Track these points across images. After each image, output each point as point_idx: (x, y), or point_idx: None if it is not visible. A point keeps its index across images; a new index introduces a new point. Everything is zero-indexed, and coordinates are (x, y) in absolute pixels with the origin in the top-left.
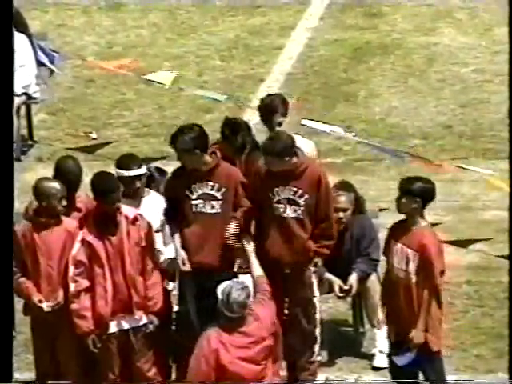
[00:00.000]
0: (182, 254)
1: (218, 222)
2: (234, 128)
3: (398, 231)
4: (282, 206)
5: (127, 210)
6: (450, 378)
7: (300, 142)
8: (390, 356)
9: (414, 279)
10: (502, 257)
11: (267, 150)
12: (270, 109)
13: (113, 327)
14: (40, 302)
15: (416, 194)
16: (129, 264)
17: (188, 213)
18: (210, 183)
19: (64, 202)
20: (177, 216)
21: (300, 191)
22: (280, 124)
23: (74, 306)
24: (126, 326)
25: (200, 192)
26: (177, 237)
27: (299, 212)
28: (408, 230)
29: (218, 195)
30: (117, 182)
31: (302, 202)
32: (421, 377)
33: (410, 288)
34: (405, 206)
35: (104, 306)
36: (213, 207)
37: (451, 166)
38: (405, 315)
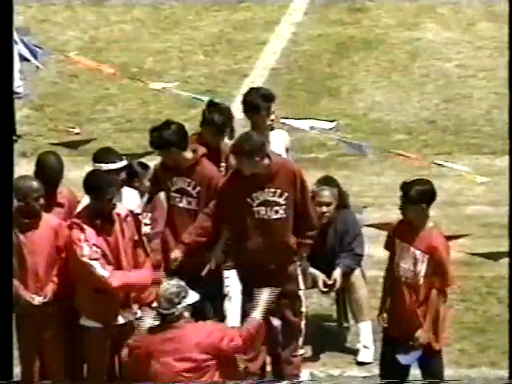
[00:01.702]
0: (177, 253)
1: (194, 219)
2: (214, 108)
3: (403, 230)
4: (263, 208)
5: (119, 207)
6: None
7: (273, 134)
8: (384, 352)
9: (421, 280)
10: (483, 254)
11: (237, 150)
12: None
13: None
14: (31, 298)
15: (416, 200)
16: (125, 260)
17: (168, 204)
18: (188, 179)
19: (42, 201)
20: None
21: (279, 191)
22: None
23: (116, 283)
24: (121, 320)
25: (178, 186)
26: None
27: (281, 212)
28: (415, 230)
29: (193, 193)
30: (111, 178)
31: (282, 201)
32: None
33: (417, 289)
34: (408, 212)
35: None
36: (189, 203)
37: (431, 162)
38: (409, 314)
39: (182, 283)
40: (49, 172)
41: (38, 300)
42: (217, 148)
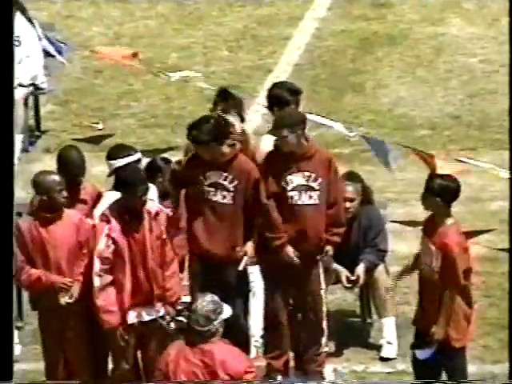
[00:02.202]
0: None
1: (229, 213)
2: (225, 95)
3: (428, 226)
4: (297, 193)
5: (149, 204)
6: None
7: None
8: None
9: (436, 276)
10: (507, 250)
11: (279, 123)
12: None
13: (133, 318)
14: (64, 281)
15: (436, 193)
16: (151, 258)
17: (200, 199)
18: (224, 173)
19: (64, 194)
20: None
21: (314, 175)
22: None
23: (100, 301)
24: (146, 317)
25: (213, 180)
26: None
27: (315, 197)
28: (435, 227)
29: (230, 187)
30: (143, 174)
31: (316, 186)
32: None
33: (434, 284)
34: (426, 203)
35: (128, 300)
36: (224, 197)
37: (454, 159)
38: (428, 310)
39: (217, 298)
40: (70, 167)
41: (64, 300)
42: None
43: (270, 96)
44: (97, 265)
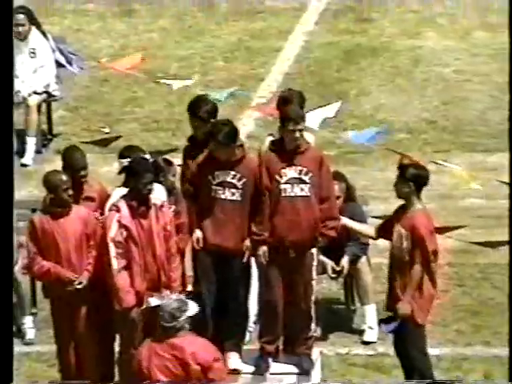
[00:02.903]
0: (199, 233)
1: (237, 209)
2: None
3: (398, 213)
4: (289, 185)
5: (154, 197)
6: (432, 351)
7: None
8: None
9: (406, 257)
10: (479, 243)
11: (285, 115)
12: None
13: (145, 302)
14: (72, 276)
15: (409, 179)
16: (158, 246)
17: (208, 197)
18: (233, 172)
19: (70, 192)
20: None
21: (305, 169)
22: None
23: (119, 282)
24: (154, 302)
25: (222, 179)
26: (195, 217)
27: (306, 190)
28: (405, 212)
29: (239, 184)
30: (150, 165)
31: (307, 179)
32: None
33: (404, 265)
34: (400, 189)
35: (141, 283)
36: (233, 194)
37: (429, 161)
38: (397, 289)
39: (183, 297)
40: (73, 166)
41: (78, 283)
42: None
43: (280, 96)
44: (112, 249)
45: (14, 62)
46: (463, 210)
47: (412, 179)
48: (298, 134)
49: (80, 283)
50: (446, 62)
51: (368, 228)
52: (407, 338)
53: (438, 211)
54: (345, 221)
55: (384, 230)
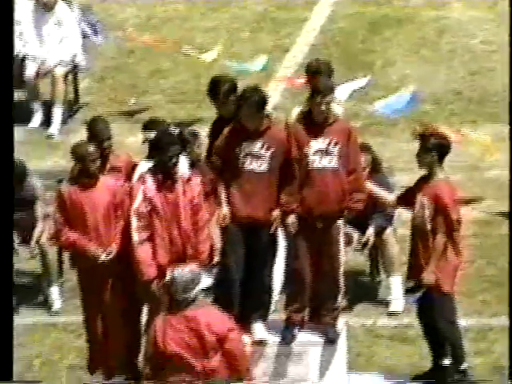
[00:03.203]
0: (225, 210)
1: (266, 180)
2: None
3: (420, 183)
4: (318, 157)
5: (182, 170)
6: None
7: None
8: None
9: (428, 226)
10: (504, 214)
11: (316, 87)
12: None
13: (168, 275)
14: (97, 250)
15: (431, 148)
16: (184, 219)
17: (236, 169)
18: (260, 143)
19: (98, 163)
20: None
21: (333, 141)
22: None
23: (139, 254)
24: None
25: (249, 150)
26: (221, 193)
27: (334, 161)
28: (427, 181)
29: (267, 154)
30: (175, 137)
31: (335, 151)
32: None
33: (426, 234)
34: (422, 159)
35: (164, 256)
36: (261, 165)
37: (456, 130)
38: (420, 259)
39: (196, 270)
40: (98, 136)
41: (103, 256)
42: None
43: (308, 67)
44: (134, 222)
45: (13, 61)
46: (488, 182)
47: (434, 148)
48: (324, 107)
49: (108, 254)
50: (472, 32)
51: (389, 194)
52: (434, 308)
53: (464, 182)
54: (367, 185)
55: (405, 199)
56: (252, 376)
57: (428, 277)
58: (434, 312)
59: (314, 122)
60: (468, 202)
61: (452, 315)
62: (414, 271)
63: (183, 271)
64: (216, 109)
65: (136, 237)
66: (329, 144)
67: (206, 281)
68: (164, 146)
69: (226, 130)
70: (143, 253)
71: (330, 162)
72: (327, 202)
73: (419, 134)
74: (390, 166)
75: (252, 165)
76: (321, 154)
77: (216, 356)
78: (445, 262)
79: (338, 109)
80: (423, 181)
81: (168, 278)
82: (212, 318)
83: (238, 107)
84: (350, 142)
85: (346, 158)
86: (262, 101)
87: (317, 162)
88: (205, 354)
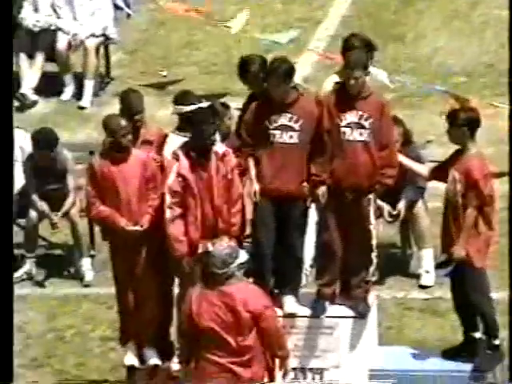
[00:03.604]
0: (256, 186)
1: (296, 152)
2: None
3: (453, 158)
4: (349, 129)
5: (217, 145)
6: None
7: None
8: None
9: (460, 201)
10: None
11: (347, 62)
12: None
13: (200, 249)
14: (127, 225)
15: (461, 124)
16: (216, 196)
17: (266, 142)
18: (289, 115)
19: (129, 137)
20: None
21: (366, 115)
22: None
23: (171, 230)
24: (211, 248)
25: (279, 123)
26: (251, 168)
27: (365, 135)
28: (460, 156)
29: (296, 126)
30: (211, 116)
31: (367, 124)
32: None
33: (458, 208)
34: (453, 135)
35: (195, 232)
36: (291, 137)
37: (487, 103)
38: (452, 233)
39: (233, 244)
40: (131, 108)
41: (135, 228)
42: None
43: (345, 41)
44: (168, 198)
45: (12, 61)
46: None
47: (464, 124)
48: (353, 81)
49: (141, 227)
50: (504, 4)
51: (422, 167)
52: (466, 282)
53: (495, 156)
54: (399, 158)
55: (439, 173)
56: (288, 353)
57: (458, 251)
58: (467, 286)
59: (348, 94)
60: (498, 175)
61: (485, 289)
62: (446, 245)
63: (222, 246)
64: (248, 87)
65: (169, 213)
66: (361, 117)
67: (244, 256)
68: (199, 125)
69: (253, 105)
70: (175, 229)
71: (362, 135)
72: (357, 174)
73: (448, 111)
74: (423, 138)
75: (282, 137)
76: (353, 127)
77: (251, 333)
78: (476, 236)
79: (383, 77)
80: (456, 155)
81: (202, 251)
82: (248, 294)
83: (265, 78)
84: (383, 117)
85: (378, 133)
86: (289, 71)
87: (348, 134)
88: (239, 330)
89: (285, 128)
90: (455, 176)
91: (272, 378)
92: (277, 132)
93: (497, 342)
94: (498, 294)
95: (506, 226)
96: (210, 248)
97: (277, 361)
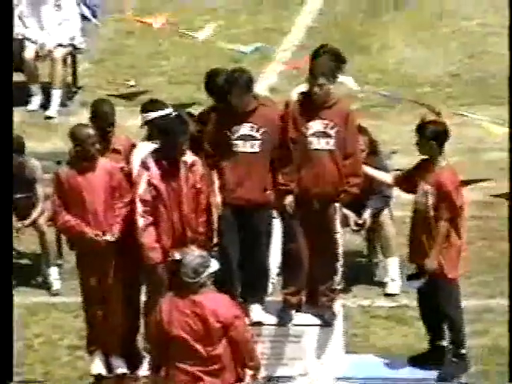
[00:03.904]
0: (218, 198)
1: (259, 160)
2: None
3: (421, 169)
4: (315, 138)
5: (185, 155)
6: None
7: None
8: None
9: (431, 213)
10: (502, 196)
11: (313, 70)
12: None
13: (172, 258)
14: (97, 235)
15: (430, 137)
16: (185, 205)
17: (229, 152)
18: (250, 124)
19: (97, 146)
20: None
21: (331, 123)
22: None
23: (144, 239)
24: (178, 256)
25: (240, 132)
26: (215, 179)
27: (331, 143)
28: (429, 168)
29: (258, 135)
30: (184, 126)
31: (333, 133)
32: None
33: (429, 220)
34: (422, 148)
35: (167, 240)
36: (252, 146)
37: (453, 112)
38: (423, 244)
39: (205, 253)
40: (101, 118)
41: (105, 238)
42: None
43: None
44: (139, 207)
45: (12, 63)
46: (487, 164)
47: (433, 137)
48: (317, 89)
49: (112, 236)
50: (470, 15)
51: (386, 175)
52: (440, 294)
53: (463, 164)
54: (363, 167)
55: (403, 182)
56: (259, 364)
57: (431, 263)
58: (440, 297)
59: (313, 103)
60: (466, 183)
61: (458, 300)
62: (414, 256)
63: (193, 255)
64: (214, 100)
65: (141, 222)
66: (326, 126)
67: (215, 265)
68: (172, 134)
69: (213, 115)
70: (148, 237)
71: (328, 144)
72: (323, 183)
73: (417, 124)
74: (388, 148)
75: (244, 147)
76: (318, 136)
77: (221, 343)
78: (448, 247)
79: (350, 82)
80: (424, 167)
81: (170, 260)
82: (218, 304)
83: (226, 89)
84: (348, 126)
85: (343, 142)
86: (250, 80)
87: (314, 143)
88: (209, 340)
89: (247, 137)
90: (426, 189)
91: None
92: (239, 142)
93: (463, 350)
94: (465, 302)
95: (475, 234)
96: (178, 257)
97: (248, 371)
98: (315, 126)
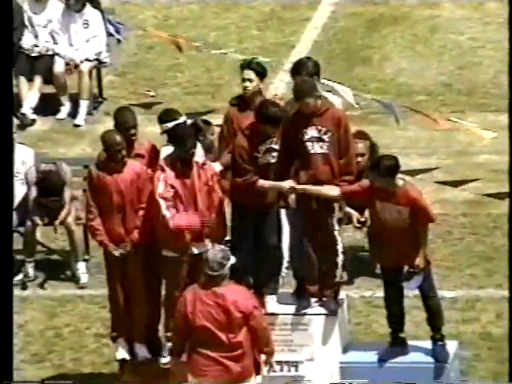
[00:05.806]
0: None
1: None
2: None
3: (380, 193)
4: (311, 143)
5: (197, 156)
6: (448, 293)
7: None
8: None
9: (406, 223)
10: (491, 195)
11: (299, 94)
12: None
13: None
14: (115, 249)
15: (385, 174)
16: (200, 201)
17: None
18: (318, 127)
19: (124, 152)
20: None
21: (324, 129)
22: None
23: (176, 221)
24: (195, 251)
25: (309, 135)
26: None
27: (325, 147)
28: (391, 192)
29: (326, 138)
30: (192, 130)
31: (326, 138)
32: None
33: (406, 229)
34: (379, 183)
35: (186, 234)
36: (321, 147)
37: (444, 119)
38: (400, 249)
39: (224, 247)
40: (124, 125)
41: (119, 252)
42: None
43: (293, 66)
44: (162, 204)
45: (12, 66)
46: (477, 165)
47: (388, 173)
48: (304, 108)
49: (132, 240)
50: (460, 30)
51: (332, 188)
52: (431, 284)
53: (455, 166)
54: (303, 187)
55: (355, 196)
56: (273, 349)
57: (421, 262)
58: (431, 288)
59: (309, 112)
60: (459, 183)
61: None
62: (400, 258)
63: (215, 249)
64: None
65: (168, 213)
66: (320, 132)
67: (233, 258)
68: (183, 138)
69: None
70: (180, 221)
71: (322, 148)
72: (318, 183)
73: (371, 163)
74: (387, 151)
75: (314, 148)
76: (313, 141)
77: (241, 331)
78: (424, 245)
79: (334, 99)
80: (383, 191)
81: (191, 253)
82: (239, 295)
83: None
84: (341, 130)
85: (337, 144)
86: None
87: (310, 147)
88: (231, 328)
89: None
90: (399, 209)
91: (258, 372)
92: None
93: (442, 333)
94: (456, 293)
95: (466, 230)
96: (196, 251)
97: (262, 356)
98: (310, 132)
